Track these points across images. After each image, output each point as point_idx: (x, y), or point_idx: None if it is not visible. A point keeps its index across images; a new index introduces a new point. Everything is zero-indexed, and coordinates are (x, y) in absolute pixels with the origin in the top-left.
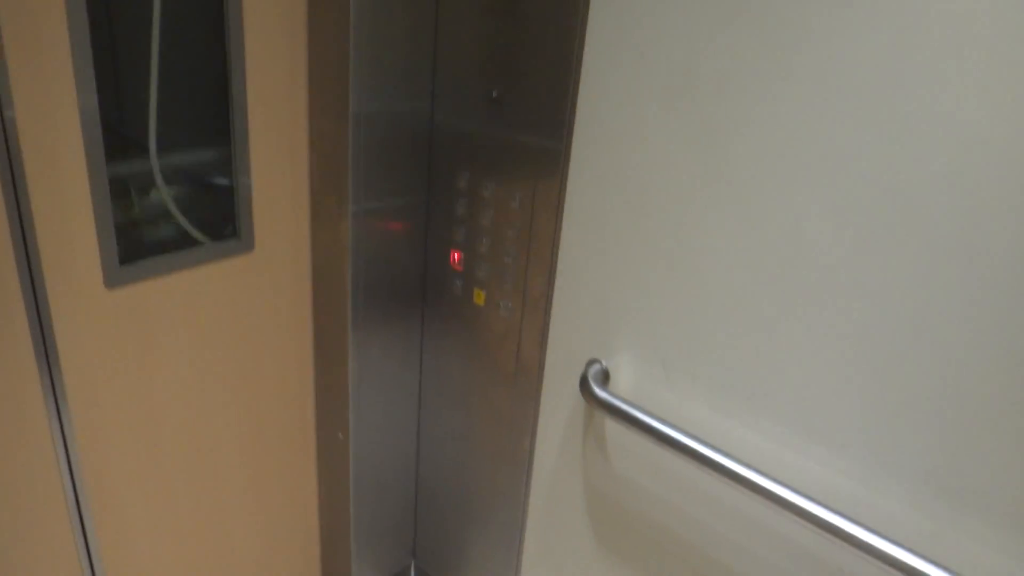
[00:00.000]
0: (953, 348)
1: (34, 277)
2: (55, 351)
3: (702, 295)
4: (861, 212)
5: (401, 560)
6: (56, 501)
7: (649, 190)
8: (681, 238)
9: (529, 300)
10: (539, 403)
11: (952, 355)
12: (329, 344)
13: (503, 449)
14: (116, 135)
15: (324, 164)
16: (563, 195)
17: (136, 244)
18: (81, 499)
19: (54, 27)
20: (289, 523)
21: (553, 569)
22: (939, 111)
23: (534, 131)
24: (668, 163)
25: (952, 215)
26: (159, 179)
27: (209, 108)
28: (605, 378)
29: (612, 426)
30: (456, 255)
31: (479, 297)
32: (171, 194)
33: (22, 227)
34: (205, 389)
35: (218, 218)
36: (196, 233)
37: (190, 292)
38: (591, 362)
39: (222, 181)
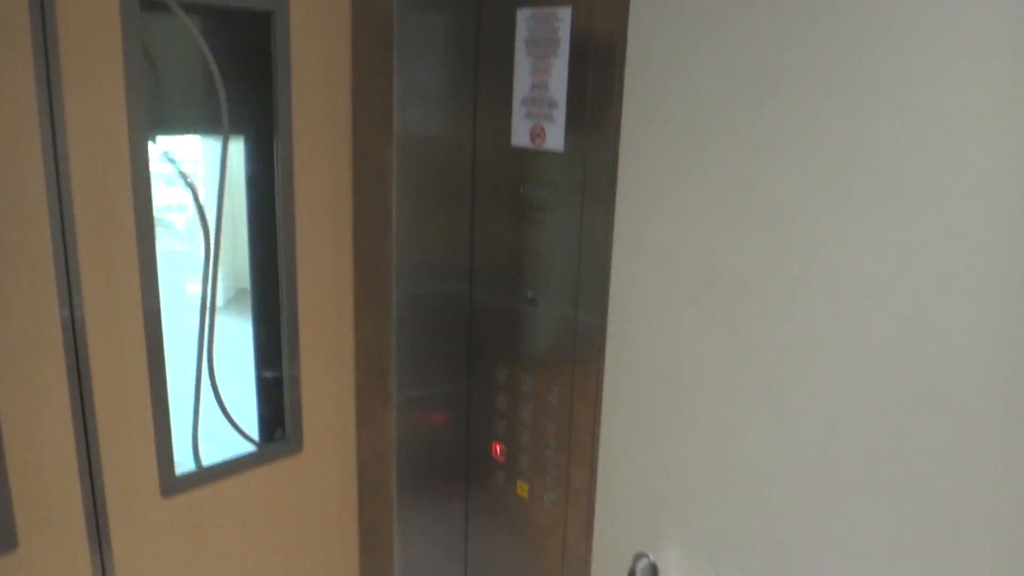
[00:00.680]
0: None
1: (95, 486)
2: (111, 559)
3: (747, 486)
4: (887, 403)
5: None
6: None
7: (684, 382)
8: (719, 428)
9: (572, 492)
10: None
11: None
12: (374, 538)
13: None
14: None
15: (368, 353)
16: (600, 388)
17: (192, 453)
18: None
19: (124, 238)
20: None
21: None
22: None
23: (569, 330)
24: (699, 356)
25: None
26: (214, 382)
27: (260, 307)
28: (654, 573)
29: None
30: (498, 447)
31: (522, 489)
32: (223, 399)
33: (86, 436)
34: None
35: (268, 420)
36: (247, 437)
37: (241, 496)
38: (639, 556)
39: (273, 379)
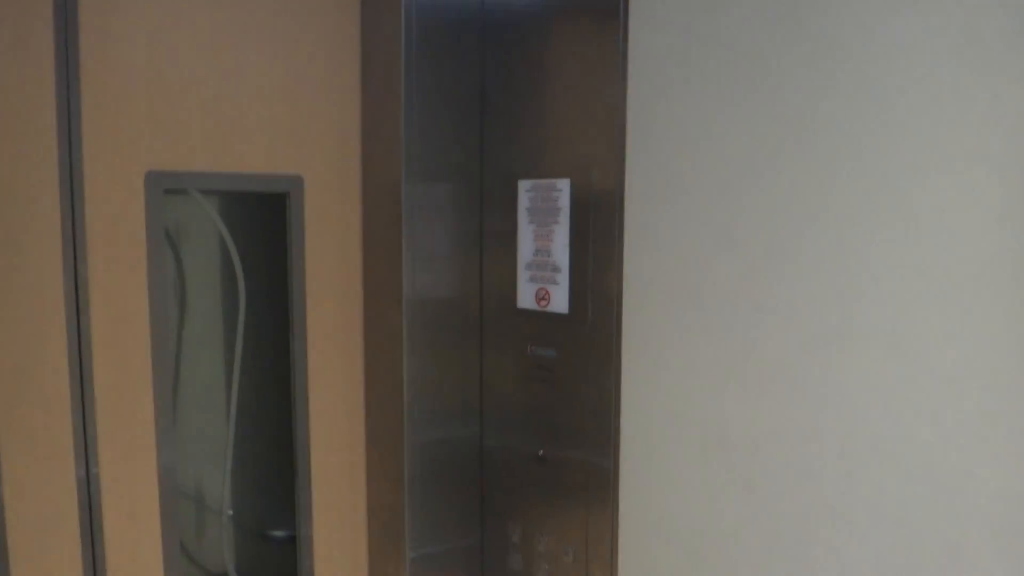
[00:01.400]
0: None
1: None
2: None
3: None
4: (902, 563)
5: None
6: None
7: (700, 544)
8: None
9: None
10: None
11: None
12: None
13: None
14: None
15: (381, 512)
16: (615, 550)
17: None
18: None
19: (141, 393)
20: None
21: None
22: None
23: (581, 490)
24: (714, 516)
25: None
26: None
27: (276, 465)
28: None
29: None
30: None
31: None
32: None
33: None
34: None
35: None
36: None
37: None
38: None
39: (285, 535)
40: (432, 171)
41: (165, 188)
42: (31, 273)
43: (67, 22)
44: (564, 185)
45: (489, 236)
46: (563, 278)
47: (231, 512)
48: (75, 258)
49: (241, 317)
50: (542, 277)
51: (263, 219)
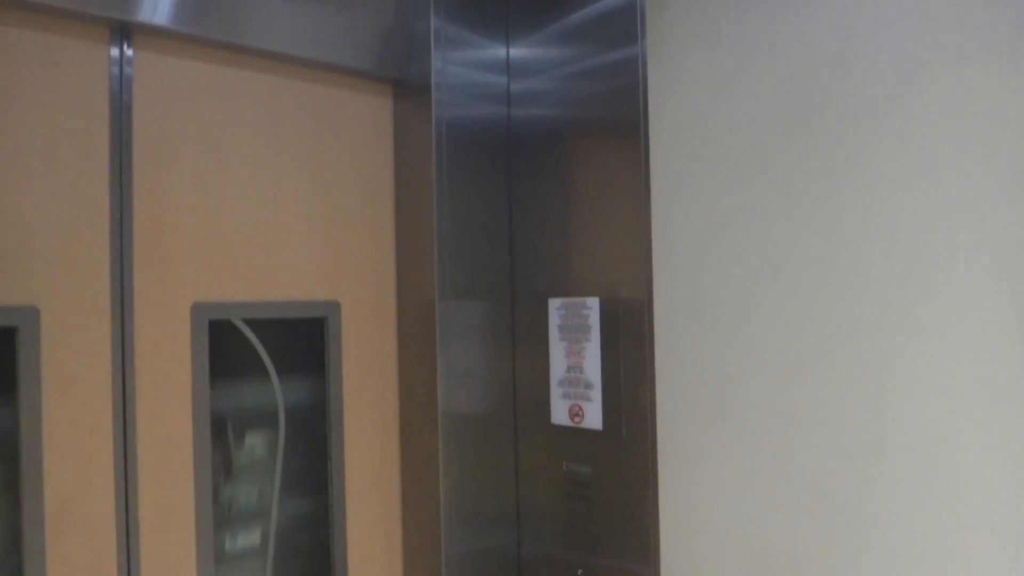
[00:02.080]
0: None
1: None
2: None
3: None
4: None
5: None
6: None
7: None
8: None
9: None
10: None
11: None
12: None
13: None
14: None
15: None
16: None
17: None
18: None
19: (183, 517)
20: None
21: None
22: None
23: None
24: None
25: None
26: None
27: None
28: None
29: None
30: None
31: None
32: None
33: None
34: None
35: None
36: None
37: None
38: None
39: None
40: (465, 290)
41: (210, 318)
42: (81, 401)
43: (122, 165)
44: (593, 303)
45: (521, 353)
46: (596, 394)
47: None
48: (124, 386)
49: (281, 441)
50: (575, 393)
51: (302, 341)
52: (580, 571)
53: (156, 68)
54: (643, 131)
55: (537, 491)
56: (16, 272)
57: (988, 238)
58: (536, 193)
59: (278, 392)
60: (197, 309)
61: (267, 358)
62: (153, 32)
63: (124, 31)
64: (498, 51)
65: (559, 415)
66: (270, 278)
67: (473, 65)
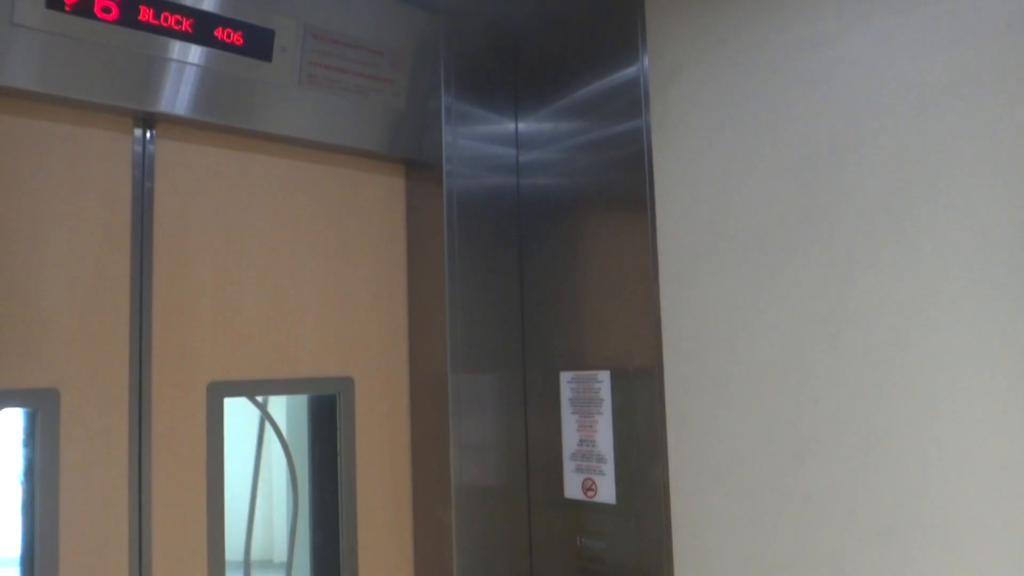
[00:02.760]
0: None
1: None
2: None
3: None
4: None
5: None
6: None
7: None
8: None
9: None
10: None
11: None
12: None
13: None
14: None
15: None
16: None
17: None
18: None
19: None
20: None
21: None
22: None
23: None
24: None
25: None
26: None
27: None
28: None
29: None
30: None
31: None
32: None
33: None
34: None
35: None
36: None
37: None
38: None
39: None
40: (477, 363)
41: (226, 397)
42: (97, 481)
43: (143, 248)
44: (604, 377)
45: (534, 426)
46: (609, 468)
47: None
48: (139, 466)
49: (294, 517)
50: (588, 467)
51: (316, 416)
52: None
53: (177, 155)
54: (650, 202)
55: (551, 566)
56: (37, 355)
57: (995, 315)
58: (546, 264)
59: (291, 467)
60: (213, 388)
61: (280, 434)
62: (174, 121)
63: (147, 121)
64: (507, 125)
65: (572, 489)
66: (284, 356)
67: (483, 139)
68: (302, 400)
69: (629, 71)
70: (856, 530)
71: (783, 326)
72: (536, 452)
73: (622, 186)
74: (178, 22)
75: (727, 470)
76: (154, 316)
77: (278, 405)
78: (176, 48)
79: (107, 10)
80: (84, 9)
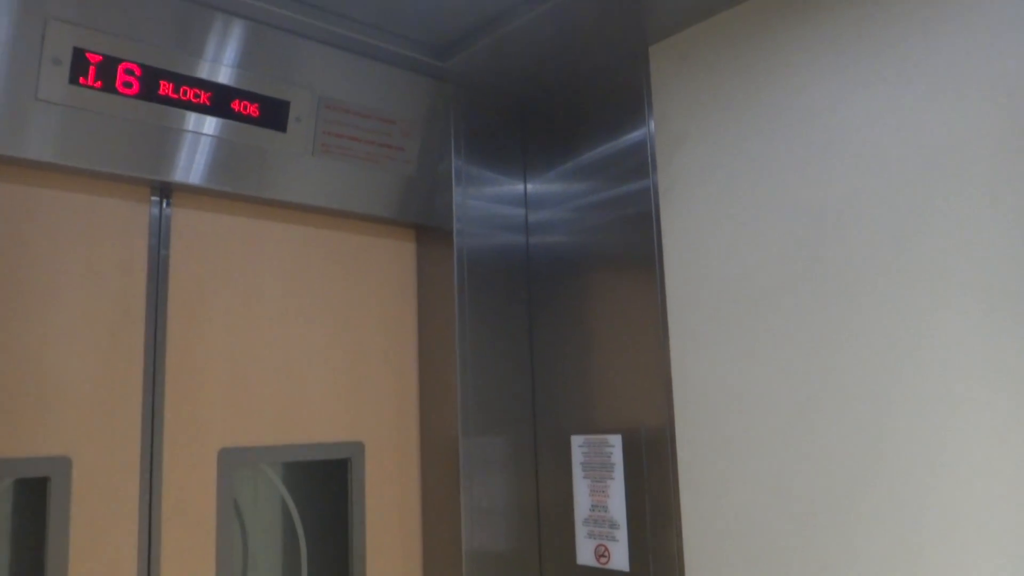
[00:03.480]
0: None
1: None
2: None
3: None
4: None
5: None
6: None
7: None
8: None
9: None
10: None
11: None
12: None
13: None
14: None
15: None
16: None
17: None
18: None
19: None
20: None
21: None
22: None
23: None
24: None
25: None
26: None
27: None
28: None
29: None
30: None
31: None
32: None
33: None
34: None
35: None
36: None
37: None
38: None
39: None
40: (487, 426)
41: (236, 462)
42: (108, 548)
43: (157, 316)
44: (616, 441)
45: (545, 490)
46: (621, 534)
47: None
48: (149, 533)
49: None
50: (600, 533)
51: (325, 480)
52: None
53: (192, 222)
54: (658, 261)
55: None
56: (50, 423)
57: (1004, 375)
58: (556, 323)
59: (300, 533)
60: (224, 455)
61: (290, 499)
62: (191, 190)
63: (164, 190)
64: (516, 186)
65: (584, 555)
66: (295, 421)
67: (492, 199)
68: (314, 466)
69: (636, 134)
70: None
71: (793, 387)
72: (548, 517)
73: (631, 245)
74: (196, 95)
75: (742, 537)
76: (167, 383)
77: (288, 467)
78: (193, 120)
79: (128, 85)
80: (106, 84)
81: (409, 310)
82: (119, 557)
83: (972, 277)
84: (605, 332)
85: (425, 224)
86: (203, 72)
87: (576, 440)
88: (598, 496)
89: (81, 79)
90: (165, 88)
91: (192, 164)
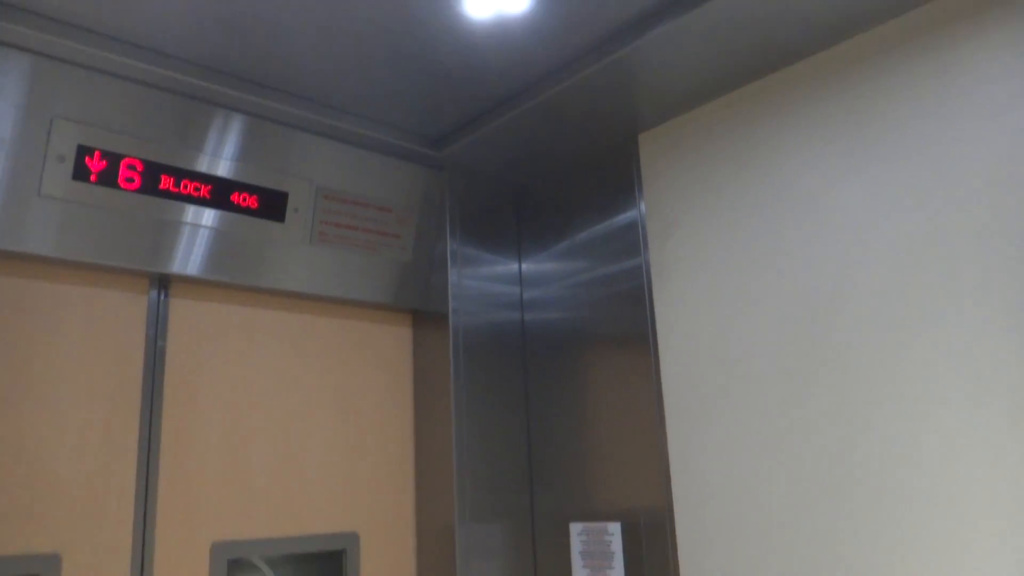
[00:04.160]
0: None
1: None
2: None
3: None
4: None
5: None
6: None
7: None
8: None
9: None
10: None
11: None
12: None
13: None
14: None
15: None
16: None
17: None
18: None
19: None
20: None
21: None
22: None
23: None
24: None
25: None
26: None
27: None
28: None
29: None
30: None
31: None
32: None
33: None
34: None
35: None
36: None
37: None
38: None
39: None
40: (484, 513)
41: (229, 558)
42: None
43: (152, 408)
44: (615, 529)
45: None
46: None
47: None
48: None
49: None
50: None
51: (320, 572)
52: None
53: (190, 313)
54: (652, 339)
55: None
56: (40, 520)
57: (1001, 451)
58: (553, 404)
59: None
60: (217, 549)
61: None
62: (189, 281)
63: (163, 282)
64: (511, 266)
65: None
66: (289, 513)
67: (487, 279)
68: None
69: (627, 215)
70: None
71: (790, 469)
72: None
73: (624, 321)
74: (197, 188)
75: None
76: (160, 476)
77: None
78: (193, 212)
79: (130, 180)
80: (108, 180)
81: (405, 395)
82: None
83: (964, 362)
84: (602, 411)
85: (421, 309)
86: (203, 166)
87: (575, 528)
88: None
89: (84, 176)
90: (166, 182)
91: (191, 255)
